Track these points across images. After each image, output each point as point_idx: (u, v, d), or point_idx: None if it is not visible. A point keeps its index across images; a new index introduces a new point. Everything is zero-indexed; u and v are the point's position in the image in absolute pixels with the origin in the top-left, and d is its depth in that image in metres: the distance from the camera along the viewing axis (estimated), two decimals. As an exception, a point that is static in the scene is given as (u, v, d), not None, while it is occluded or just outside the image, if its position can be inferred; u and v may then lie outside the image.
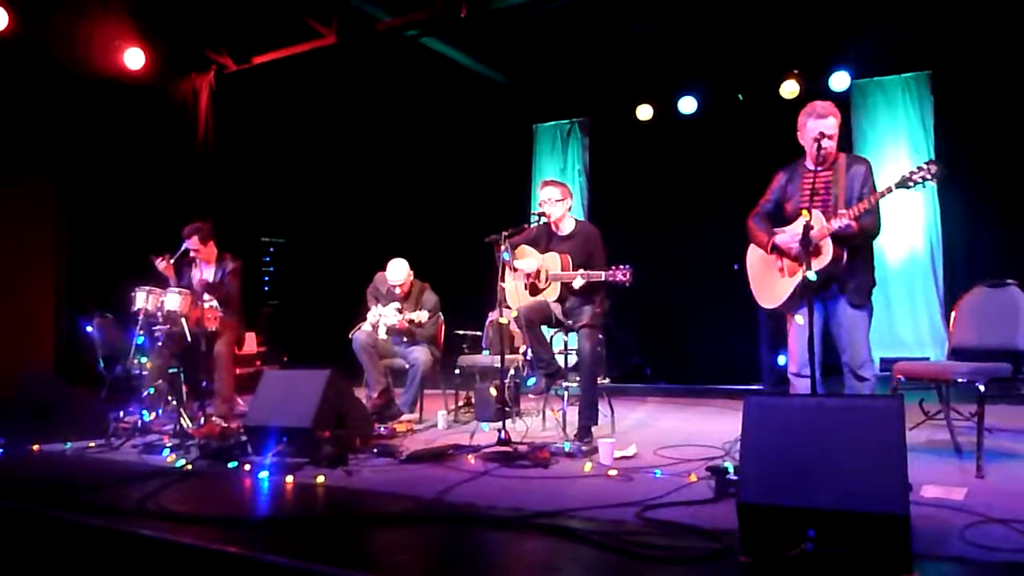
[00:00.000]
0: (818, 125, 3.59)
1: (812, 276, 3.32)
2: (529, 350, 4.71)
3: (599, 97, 8.36)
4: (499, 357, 4.57)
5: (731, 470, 3.11)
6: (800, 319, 3.61)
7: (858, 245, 3.57)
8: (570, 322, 4.65)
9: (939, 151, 7.00)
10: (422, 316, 5.25)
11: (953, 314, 4.09)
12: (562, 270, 4.59)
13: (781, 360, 6.05)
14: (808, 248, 3.36)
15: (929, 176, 3.31)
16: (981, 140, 6.77)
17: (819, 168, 3.60)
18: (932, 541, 2.41)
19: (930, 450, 3.95)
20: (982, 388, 3.47)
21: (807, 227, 3.34)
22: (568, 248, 4.67)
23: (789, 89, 7.37)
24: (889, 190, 3.40)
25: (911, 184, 3.36)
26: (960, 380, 3.54)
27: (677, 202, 7.97)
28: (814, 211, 3.51)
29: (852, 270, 3.57)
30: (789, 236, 3.66)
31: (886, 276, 6.81)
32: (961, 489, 3.06)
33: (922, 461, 3.62)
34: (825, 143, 3.55)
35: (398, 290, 5.48)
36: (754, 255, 3.90)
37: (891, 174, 3.61)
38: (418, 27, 6.98)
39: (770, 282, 3.79)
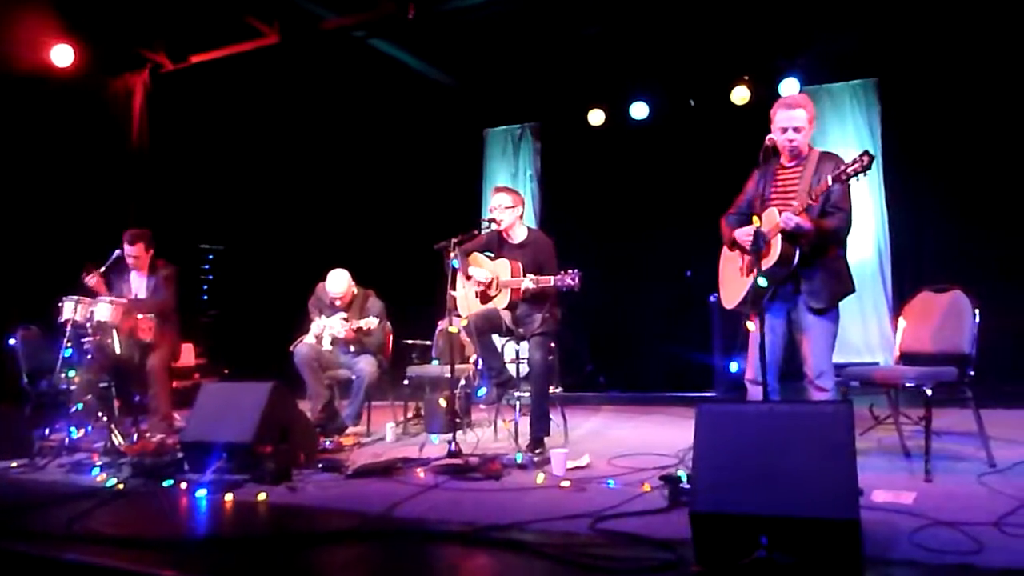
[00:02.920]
0: (785, 117, 3.52)
1: (762, 281, 3.36)
2: (480, 360, 4.71)
3: (551, 102, 8.43)
4: (449, 367, 4.57)
5: (684, 479, 3.15)
6: (751, 325, 3.61)
7: (818, 245, 3.45)
8: (521, 330, 4.67)
9: (887, 156, 7.23)
10: (371, 323, 5.20)
11: (901, 319, 4.19)
12: (512, 277, 4.62)
13: (734, 367, 6.18)
14: (758, 250, 3.37)
15: (862, 167, 3.22)
16: (927, 146, 6.99)
17: (790, 164, 3.59)
18: (882, 545, 2.47)
19: (880, 454, 4.05)
20: (929, 392, 3.56)
21: (757, 230, 3.38)
22: (519, 256, 4.70)
23: (740, 95, 7.53)
24: (827, 185, 3.35)
25: (846, 176, 3.28)
26: (908, 384, 3.63)
27: (630, 208, 8.07)
28: (771, 209, 3.49)
29: (810, 272, 3.48)
30: (746, 232, 3.57)
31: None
32: (910, 493, 3.13)
33: (872, 465, 3.71)
34: (791, 135, 3.51)
35: (339, 303, 5.43)
36: (724, 254, 3.89)
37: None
38: (365, 28, 6.94)
39: (731, 280, 3.78)
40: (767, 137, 3.50)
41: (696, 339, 6.91)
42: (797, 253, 3.46)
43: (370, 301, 5.56)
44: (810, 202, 3.42)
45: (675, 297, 7.53)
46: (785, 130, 3.53)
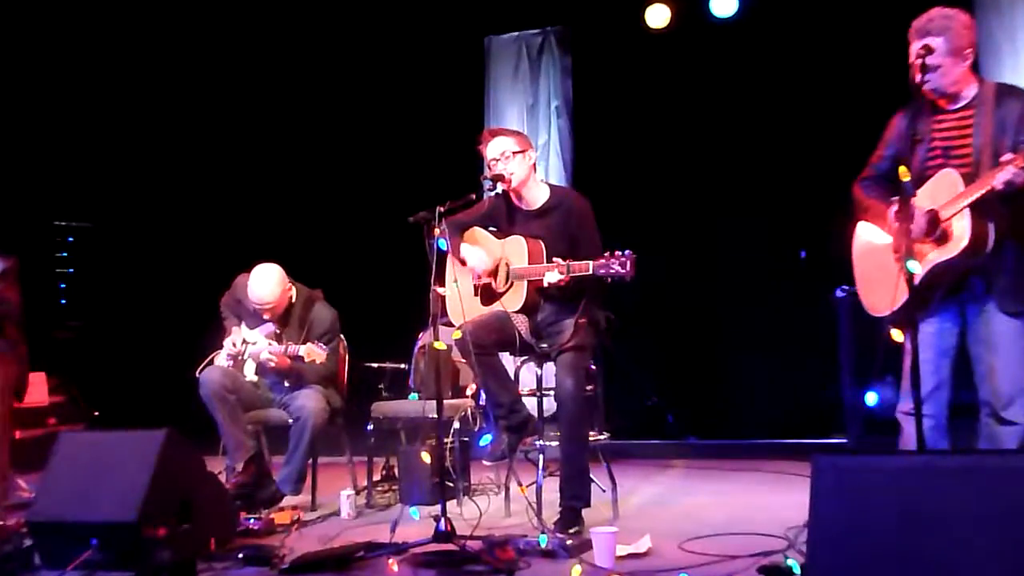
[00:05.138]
0: (915, 46, 3.63)
1: (914, 267, 3.37)
2: (482, 391, 4.71)
3: (587, -6, 8.43)
4: (435, 403, 4.52)
5: (797, 571, 3.14)
6: (898, 335, 3.58)
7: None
8: (544, 345, 4.66)
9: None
10: (318, 353, 5.20)
11: None
12: (530, 263, 4.61)
13: (871, 399, 6.17)
14: (915, 232, 3.43)
15: None
16: None
17: (953, 107, 3.67)
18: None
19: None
20: None
21: (903, 200, 3.40)
22: (540, 230, 4.68)
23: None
24: None
25: None
26: None
27: (710, 158, 8.01)
28: (946, 172, 3.59)
29: (1007, 260, 3.59)
30: (915, 209, 3.63)
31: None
32: None
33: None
34: (929, 75, 3.59)
35: (267, 315, 5.44)
36: (862, 237, 3.96)
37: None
38: None
39: (882, 276, 3.79)
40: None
41: (814, 356, 6.89)
42: (992, 234, 3.53)
43: (316, 309, 5.56)
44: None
45: (780, 292, 7.50)
46: (922, 53, 3.58)
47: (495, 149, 4.74)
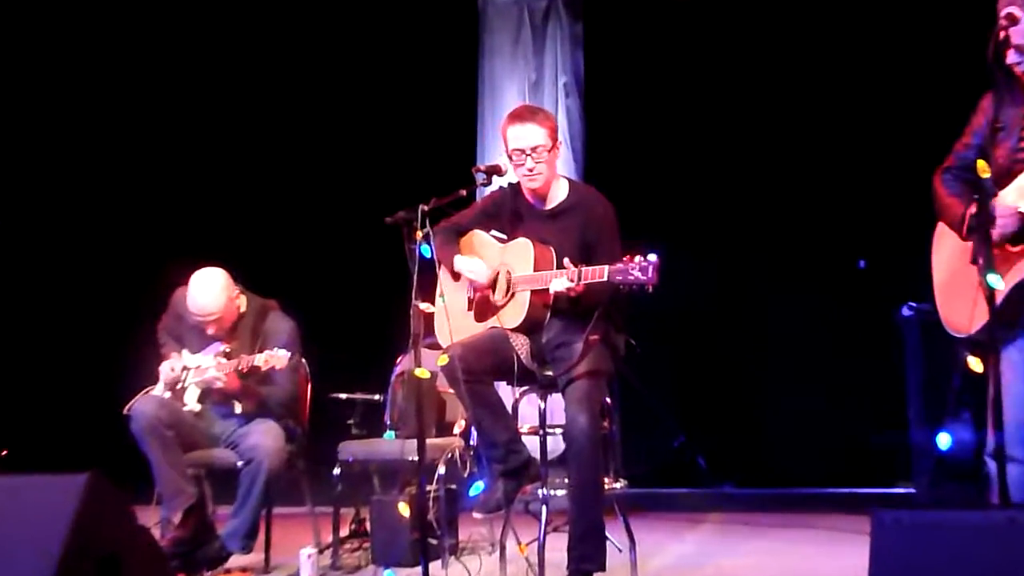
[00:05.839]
0: (1007, 1, 3.59)
1: (995, 281, 3.36)
2: (474, 429, 4.73)
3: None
4: (415, 443, 4.50)
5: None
6: (976, 363, 3.54)
7: None
8: (550, 372, 4.64)
9: None
10: (278, 359, 5.19)
11: None
12: (536, 270, 4.59)
13: (944, 441, 6.16)
14: (998, 237, 3.42)
15: None
16: None
17: None
18: None
19: None
20: None
21: (981, 201, 3.39)
22: (553, 233, 4.67)
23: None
24: None
25: None
26: None
27: (749, 150, 8.06)
28: None
29: None
30: (1001, 209, 3.63)
31: None
32: None
33: None
34: (1018, 32, 3.53)
35: (211, 328, 5.44)
36: (943, 240, 3.92)
37: None
38: None
39: (962, 288, 3.75)
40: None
41: (875, 387, 6.89)
42: None
43: (271, 320, 5.57)
44: None
45: (834, 310, 7.52)
46: (1005, 24, 3.57)
47: (527, 138, 4.63)
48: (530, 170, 4.61)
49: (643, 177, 8.01)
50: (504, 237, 4.84)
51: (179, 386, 5.40)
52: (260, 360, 5.21)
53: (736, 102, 8.06)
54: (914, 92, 6.63)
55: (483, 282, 4.71)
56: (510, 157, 4.68)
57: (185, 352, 5.50)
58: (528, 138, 4.62)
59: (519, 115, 4.74)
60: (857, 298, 7.31)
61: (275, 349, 5.23)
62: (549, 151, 4.63)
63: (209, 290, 5.39)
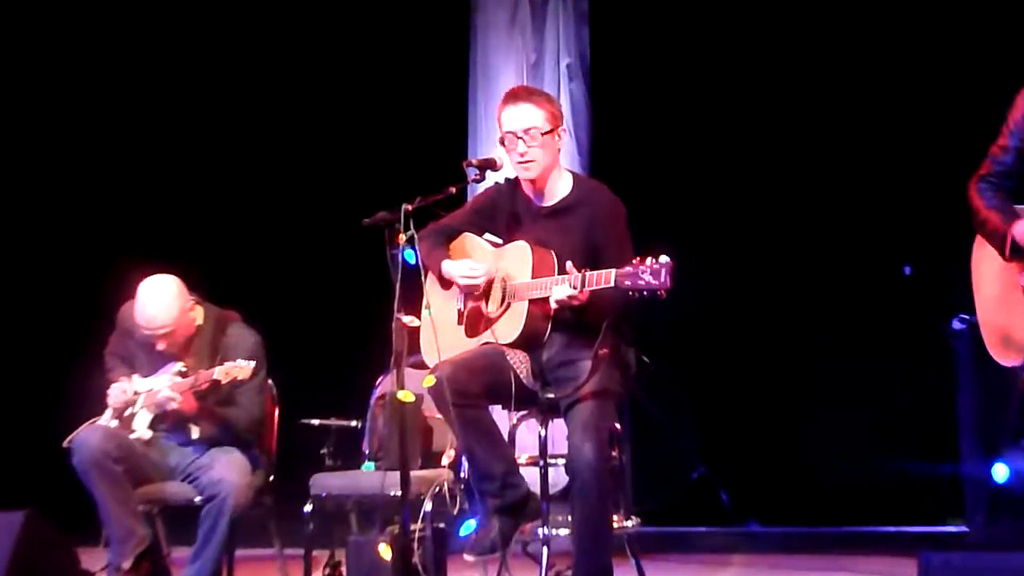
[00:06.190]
0: None
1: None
2: (465, 459, 4.71)
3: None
4: (398, 475, 4.51)
5: None
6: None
7: None
8: (551, 395, 4.61)
9: None
10: (240, 369, 5.15)
11: None
12: (535, 278, 4.53)
13: (1001, 473, 6.19)
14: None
15: None
16: None
17: None
18: None
19: None
20: None
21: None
22: (554, 233, 4.63)
23: None
24: None
25: None
26: None
27: (777, 140, 8.09)
28: None
29: None
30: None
31: None
32: None
33: None
34: None
35: (162, 344, 5.38)
36: (982, 257, 3.99)
37: None
38: None
39: (1011, 312, 3.86)
40: None
41: (920, 412, 6.88)
42: None
43: (232, 333, 5.53)
44: None
45: (875, 322, 7.54)
46: None
47: (521, 119, 4.59)
48: (522, 155, 4.56)
49: (656, 171, 8.07)
50: (499, 241, 4.79)
51: (128, 412, 5.34)
52: (220, 373, 5.17)
53: (764, 85, 8.14)
54: (970, 74, 6.60)
55: (473, 281, 4.64)
56: (503, 143, 4.65)
57: (136, 377, 5.45)
58: (522, 118, 4.59)
59: (515, 95, 4.73)
60: (902, 309, 7.32)
61: (237, 360, 5.20)
62: (545, 134, 4.57)
63: (159, 300, 5.36)
